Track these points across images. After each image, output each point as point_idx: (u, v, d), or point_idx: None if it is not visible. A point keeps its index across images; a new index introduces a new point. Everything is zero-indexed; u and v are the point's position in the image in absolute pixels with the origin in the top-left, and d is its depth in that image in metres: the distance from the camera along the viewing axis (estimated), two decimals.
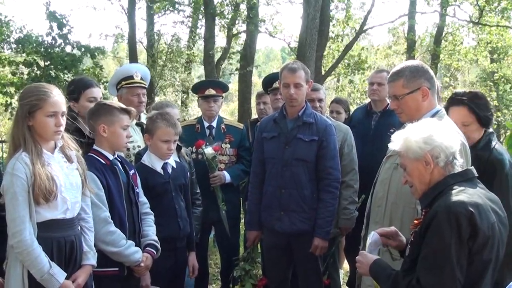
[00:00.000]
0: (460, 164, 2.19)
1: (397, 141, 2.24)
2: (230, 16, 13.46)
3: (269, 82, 4.53)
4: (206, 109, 4.31)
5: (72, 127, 3.06)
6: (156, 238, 3.06)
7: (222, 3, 13.35)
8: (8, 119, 11.66)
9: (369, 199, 3.05)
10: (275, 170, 3.58)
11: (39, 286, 2.43)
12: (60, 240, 2.51)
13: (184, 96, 18.01)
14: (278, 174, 3.56)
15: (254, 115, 8.94)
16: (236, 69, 12.87)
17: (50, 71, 9.90)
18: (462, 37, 16.89)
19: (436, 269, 1.98)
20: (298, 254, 3.63)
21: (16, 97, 9.78)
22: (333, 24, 14.78)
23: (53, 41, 10.11)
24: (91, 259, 2.66)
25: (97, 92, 3.50)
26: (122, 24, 17.08)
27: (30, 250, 2.38)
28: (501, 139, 12.59)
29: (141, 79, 3.96)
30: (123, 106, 3.01)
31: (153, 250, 3.01)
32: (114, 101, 3.88)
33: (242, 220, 4.91)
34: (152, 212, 3.13)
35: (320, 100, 4.10)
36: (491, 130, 3.21)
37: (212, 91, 4.29)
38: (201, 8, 13.82)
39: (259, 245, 4.12)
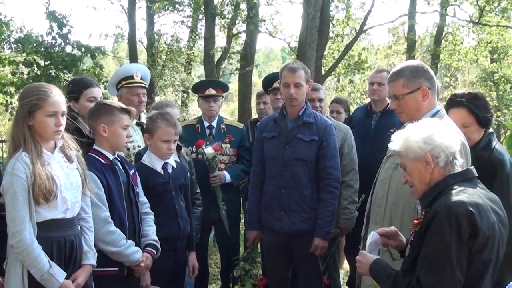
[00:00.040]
0: (460, 164, 2.18)
1: (397, 141, 2.24)
2: (230, 16, 13.46)
3: (269, 82, 4.52)
4: (206, 109, 4.31)
5: (72, 127, 3.06)
6: (156, 238, 3.06)
7: (222, 3, 13.36)
8: (9, 119, 11.66)
9: (369, 199, 3.05)
10: (275, 170, 3.58)
11: (39, 286, 2.43)
12: (60, 240, 2.51)
13: (184, 96, 18.01)
14: (278, 174, 3.56)
15: (254, 115, 8.94)
16: (236, 69, 12.87)
17: (50, 71, 9.90)
18: (462, 37, 16.91)
19: (436, 269, 1.98)
20: (298, 254, 3.63)
21: (16, 97, 9.78)
22: (333, 24, 14.77)
23: (53, 41, 10.11)
24: (91, 259, 2.66)
25: (97, 92, 3.50)
26: (122, 24, 17.05)
27: (30, 250, 2.38)
28: (501, 139, 12.58)
29: (141, 79, 3.97)
30: (123, 106, 3.01)
31: (153, 250, 3.01)
32: (114, 101, 3.88)
33: (242, 220, 4.91)
34: (152, 212, 3.13)
35: (320, 100, 4.10)
36: (491, 130, 3.21)
37: (212, 91, 4.29)
38: (201, 8, 13.82)
39: (259, 245, 4.12)
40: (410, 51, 15.74)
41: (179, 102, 17.92)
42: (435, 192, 2.14)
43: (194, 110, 18.01)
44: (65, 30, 10.05)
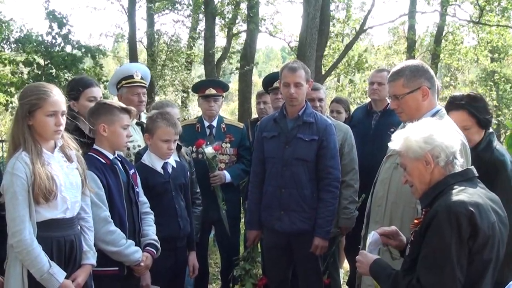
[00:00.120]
0: (461, 163, 2.18)
1: (398, 140, 2.24)
2: (230, 16, 13.45)
3: (269, 81, 4.52)
4: (207, 109, 4.31)
5: (72, 126, 3.06)
6: (156, 237, 3.05)
7: (222, 2, 13.35)
8: (10, 120, 11.66)
9: (369, 199, 3.05)
10: (275, 170, 3.58)
11: (38, 286, 2.43)
12: (59, 240, 2.51)
13: (184, 96, 18.00)
14: (278, 174, 3.55)
15: (254, 115, 8.94)
16: (236, 69, 12.86)
17: (50, 71, 9.90)
18: (462, 36, 16.89)
19: (436, 268, 1.98)
20: (298, 254, 3.63)
21: (16, 97, 9.77)
22: (333, 24, 14.77)
23: (53, 41, 10.11)
24: (90, 258, 2.65)
25: (97, 91, 3.50)
26: (122, 23, 17.01)
27: (29, 249, 2.38)
28: (501, 139, 12.59)
29: (141, 78, 3.97)
30: (123, 105, 3.01)
31: (153, 250, 3.01)
32: (114, 100, 3.88)
33: (242, 220, 4.91)
34: (152, 212, 3.13)
35: (320, 100, 4.10)
36: (490, 130, 3.22)
37: (212, 91, 4.29)
38: (202, 8, 13.82)
39: (259, 244, 4.12)
40: (410, 51, 15.74)
41: (179, 102, 17.92)
42: (435, 192, 2.13)
43: (194, 109, 18.01)
44: (65, 30, 10.05)
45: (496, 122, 16.54)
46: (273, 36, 15.32)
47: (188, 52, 17.30)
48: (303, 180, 3.51)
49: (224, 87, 4.51)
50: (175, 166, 3.40)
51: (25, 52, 10.25)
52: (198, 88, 4.46)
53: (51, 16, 9.88)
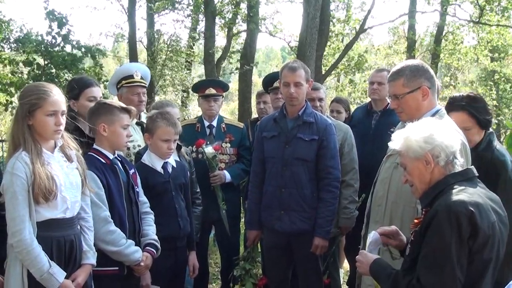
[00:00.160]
0: (461, 163, 2.19)
1: (398, 140, 2.24)
2: (230, 16, 13.44)
3: (269, 81, 4.52)
4: (207, 109, 4.31)
5: (72, 126, 3.06)
6: (156, 237, 3.05)
7: (222, 2, 13.34)
8: (10, 120, 11.65)
9: (369, 198, 3.05)
10: (275, 170, 3.58)
11: (38, 286, 2.43)
12: (59, 240, 2.51)
13: (184, 96, 18.00)
14: (278, 174, 3.55)
15: (254, 115, 8.94)
16: (236, 68, 12.85)
17: (50, 71, 9.90)
18: (463, 36, 16.89)
19: (437, 268, 1.98)
20: (298, 254, 3.63)
21: (16, 96, 9.77)
22: (333, 24, 14.76)
23: (53, 40, 10.10)
24: (90, 258, 2.65)
25: (97, 91, 3.50)
26: (122, 23, 17.00)
27: (29, 249, 2.38)
28: (501, 139, 12.59)
29: (141, 78, 3.97)
30: (123, 105, 3.01)
31: (153, 250, 3.01)
32: (114, 100, 3.88)
33: (242, 220, 4.91)
34: (152, 212, 3.13)
35: (320, 99, 4.10)
36: (490, 130, 3.22)
37: (212, 90, 4.29)
38: (201, 7, 13.81)
39: (259, 244, 4.12)
40: (410, 51, 15.73)
41: (179, 102, 17.92)
42: (435, 192, 2.13)
43: (194, 109, 18.01)
44: (65, 30, 10.03)
45: (496, 121, 16.53)
46: (273, 36, 15.32)
47: (188, 52, 17.30)
48: (303, 180, 3.50)
49: (224, 87, 4.51)
50: (175, 166, 3.40)
51: (25, 52, 10.24)
52: (198, 87, 4.46)
53: (51, 16, 9.87)
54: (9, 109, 10.23)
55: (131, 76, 3.92)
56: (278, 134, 3.60)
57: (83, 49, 10.32)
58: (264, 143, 3.68)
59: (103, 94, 3.82)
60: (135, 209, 2.99)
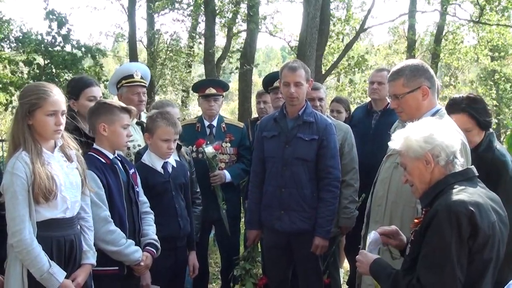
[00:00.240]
0: (461, 163, 2.18)
1: (398, 140, 2.24)
2: (230, 15, 13.43)
3: (269, 81, 4.52)
4: (207, 108, 4.31)
5: (72, 126, 3.06)
6: (156, 237, 3.06)
7: (222, 2, 13.33)
8: (10, 120, 11.65)
9: (369, 198, 3.05)
10: (275, 169, 3.58)
11: (38, 285, 2.43)
12: (59, 239, 2.51)
13: (184, 95, 18.00)
14: (278, 173, 3.55)
15: (254, 114, 8.93)
16: (236, 68, 12.85)
17: (51, 70, 9.90)
18: (463, 36, 16.88)
19: (437, 268, 1.98)
20: (298, 254, 3.63)
21: (16, 96, 9.77)
22: (333, 23, 14.76)
23: (53, 40, 10.11)
24: (90, 258, 2.66)
25: (97, 91, 3.50)
26: (122, 23, 16.99)
27: (29, 249, 2.38)
28: (501, 139, 12.59)
29: (141, 78, 3.97)
30: (124, 105, 3.01)
31: (153, 249, 3.01)
32: (114, 100, 3.88)
33: (242, 219, 4.91)
34: (152, 211, 3.13)
35: (320, 99, 4.09)
36: (490, 130, 3.23)
37: (212, 90, 4.29)
38: (201, 7, 13.81)
39: (259, 244, 4.12)
40: (410, 50, 15.73)
41: (179, 102, 17.92)
42: (435, 191, 2.13)
43: (195, 109, 18.00)
44: (64, 30, 10.04)
45: (496, 121, 16.53)
46: (273, 35, 15.31)
47: (188, 52, 17.29)
48: (303, 180, 3.50)
49: (224, 87, 4.51)
50: (175, 165, 3.40)
51: (25, 52, 10.24)
52: (198, 87, 4.46)
53: (50, 16, 9.87)
54: (9, 109, 10.23)
55: (131, 76, 3.92)
56: (278, 134, 3.60)
57: (83, 49, 10.32)
58: (264, 143, 3.68)
59: (103, 94, 3.82)
60: (135, 209, 2.99)
